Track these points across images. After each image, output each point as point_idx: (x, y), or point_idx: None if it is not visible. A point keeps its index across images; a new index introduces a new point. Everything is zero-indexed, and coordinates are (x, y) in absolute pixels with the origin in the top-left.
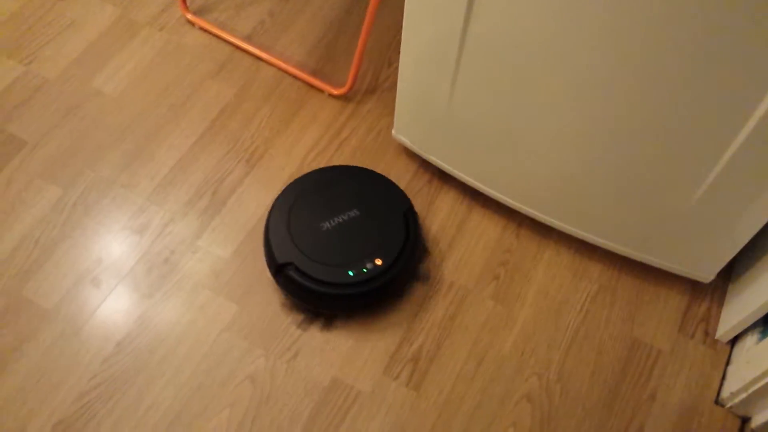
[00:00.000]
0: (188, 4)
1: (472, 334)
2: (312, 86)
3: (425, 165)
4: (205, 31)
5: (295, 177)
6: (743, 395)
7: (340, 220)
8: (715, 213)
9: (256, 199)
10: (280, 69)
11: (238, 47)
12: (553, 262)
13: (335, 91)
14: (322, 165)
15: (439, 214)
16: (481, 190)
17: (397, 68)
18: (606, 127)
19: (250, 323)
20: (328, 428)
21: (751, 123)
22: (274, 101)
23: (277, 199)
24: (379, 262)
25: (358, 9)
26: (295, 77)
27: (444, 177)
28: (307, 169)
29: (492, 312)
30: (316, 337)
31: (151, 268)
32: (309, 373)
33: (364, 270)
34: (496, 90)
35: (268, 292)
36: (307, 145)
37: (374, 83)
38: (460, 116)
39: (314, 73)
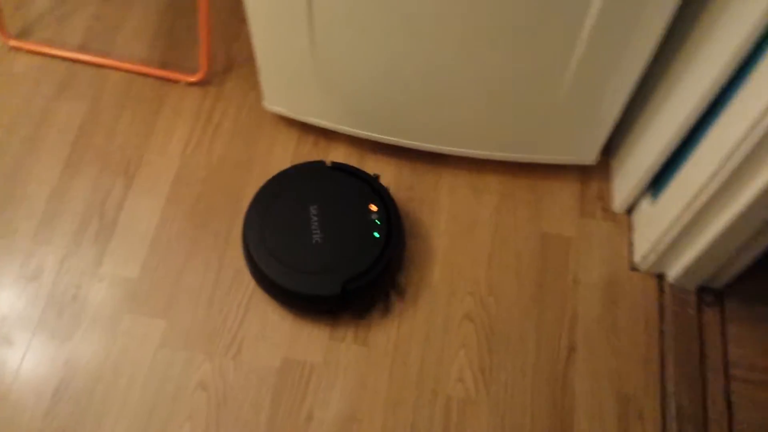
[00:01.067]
0: (7, 30)
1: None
2: (166, 80)
3: (306, 128)
4: (34, 53)
5: (180, 175)
6: (653, 255)
7: (316, 219)
8: (584, 98)
9: (147, 209)
10: (126, 71)
11: (74, 60)
12: (454, 186)
13: (192, 78)
14: (202, 157)
15: None
16: (367, 138)
17: (247, 38)
18: (465, 38)
19: (183, 332)
20: (292, 407)
21: (593, 9)
22: (131, 106)
23: (249, 233)
24: (374, 207)
25: None
26: (145, 75)
27: (328, 135)
28: (190, 164)
29: (412, 249)
30: (254, 325)
31: (61, 310)
32: (258, 361)
33: (378, 222)
34: (355, 31)
35: (190, 297)
36: (181, 140)
37: (228, 59)
38: (328, 68)
39: (164, 66)
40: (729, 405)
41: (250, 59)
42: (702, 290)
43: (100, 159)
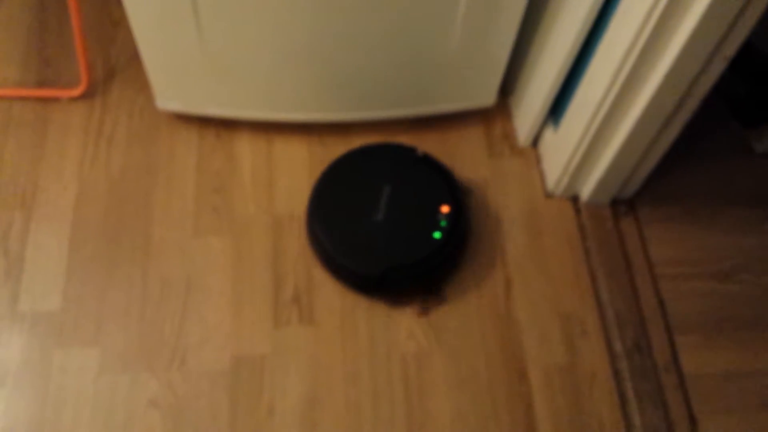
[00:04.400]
0: None
1: None
2: (46, 99)
3: (206, 121)
4: None
5: (81, 195)
6: (564, 179)
7: (386, 200)
8: (475, 44)
9: (54, 236)
10: (1, 98)
11: None
12: None
13: (74, 93)
14: (101, 171)
15: (245, 161)
16: (270, 121)
17: (124, 42)
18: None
19: (120, 355)
20: (251, 404)
21: None
22: (14, 133)
23: (317, 227)
24: (446, 209)
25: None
26: (23, 98)
27: (230, 124)
28: (90, 181)
29: None
30: (193, 331)
31: None
32: (206, 367)
33: (443, 223)
34: (240, 12)
35: (120, 317)
36: (75, 159)
37: (109, 66)
38: (219, 55)
39: (41, 85)
40: (660, 302)
41: (132, 61)
42: (615, 202)
43: None
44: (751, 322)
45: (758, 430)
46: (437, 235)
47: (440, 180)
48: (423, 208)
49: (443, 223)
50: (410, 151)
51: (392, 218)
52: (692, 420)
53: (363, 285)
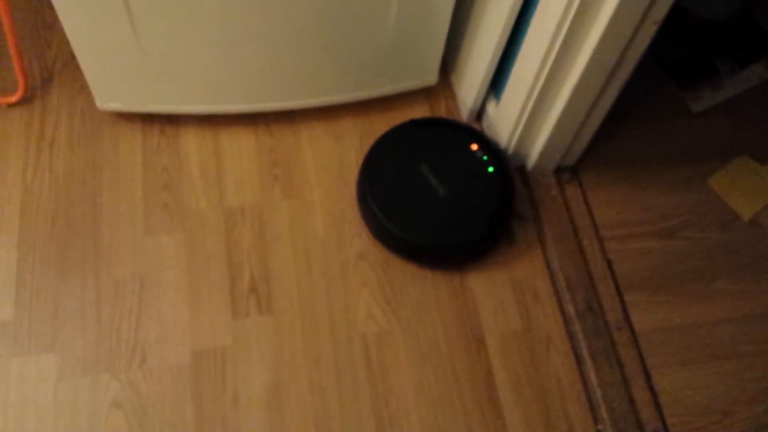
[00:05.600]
0: None
1: (286, 237)
2: None
3: (149, 119)
4: None
5: (26, 203)
6: (508, 151)
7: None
8: (413, 24)
9: (2, 245)
10: None
11: None
12: (313, 138)
13: (11, 99)
14: (46, 177)
15: (192, 156)
16: (214, 112)
17: (60, 44)
18: None
19: (79, 359)
20: (216, 396)
21: None
22: None
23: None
24: (474, 147)
25: None
26: None
27: (174, 120)
28: (34, 188)
29: (291, 209)
30: (151, 328)
31: None
32: (167, 363)
33: (485, 158)
34: (174, 4)
35: (76, 322)
36: (17, 167)
37: (46, 70)
38: (155, 51)
39: None
40: (608, 263)
41: (69, 63)
42: (559, 170)
43: None
44: (697, 276)
45: (711, 379)
46: (491, 168)
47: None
48: (463, 161)
49: (485, 158)
50: (407, 124)
51: (452, 188)
52: (647, 374)
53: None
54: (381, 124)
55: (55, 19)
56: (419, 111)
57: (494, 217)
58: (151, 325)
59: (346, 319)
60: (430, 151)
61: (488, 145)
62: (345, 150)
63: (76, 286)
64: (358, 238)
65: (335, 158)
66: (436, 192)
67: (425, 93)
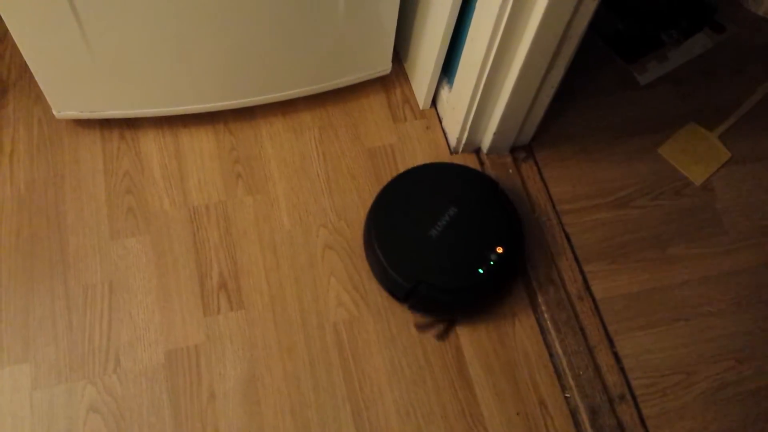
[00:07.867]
0: None
1: (252, 233)
2: None
3: (107, 125)
4: None
5: None
6: (464, 135)
7: (447, 220)
8: (362, 13)
9: None
10: None
11: None
12: (273, 133)
13: None
14: (7, 190)
15: (153, 158)
16: (172, 114)
17: (12, 55)
18: None
19: (52, 367)
20: (192, 393)
21: None
22: None
23: (372, 226)
24: (500, 250)
25: None
26: None
27: (132, 124)
28: None
29: (255, 205)
30: (122, 332)
31: None
32: (141, 365)
33: (492, 263)
34: (121, 9)
35: (47, 330)
36: None
37: (0, 82)
38: (107, 56)
39: None
40: (567, 236)
41: (23, 74)
42: (514, 150)
43: None
44: (652, 242)
45: (673, 342)
46: (482, 270)
47: (505, 217)
48: (478, 241)
49: (492, 263)
50: (492, 183)
51: (445, 239)
52: (610, 341)
53: (394, 292)
54: (338, 115)
55: (5, 30)
56: (376, 100)
57: (425, 286)
58: (122, 328)
59: (317, 308)
60: (469, 208)
61: (511, 256)
62: (305, 143)
63: (45, 295)
64: (324, 228)
65: (296, 152)
66: (432, 234)
67: (381, 82)
